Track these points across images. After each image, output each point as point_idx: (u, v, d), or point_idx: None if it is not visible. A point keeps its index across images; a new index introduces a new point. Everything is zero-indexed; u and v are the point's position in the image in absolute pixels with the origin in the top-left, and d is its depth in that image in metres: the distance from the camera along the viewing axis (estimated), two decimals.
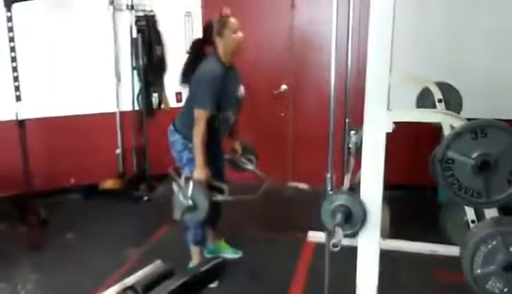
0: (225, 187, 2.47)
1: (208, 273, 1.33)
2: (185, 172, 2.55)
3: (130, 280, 1.33)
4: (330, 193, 1.58)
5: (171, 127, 2.64)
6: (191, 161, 2.51)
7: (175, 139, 2.59)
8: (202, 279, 1.32)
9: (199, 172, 2.39)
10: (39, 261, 2.93)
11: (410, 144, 3.57)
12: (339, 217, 1.48)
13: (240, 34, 2.47)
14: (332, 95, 1.63)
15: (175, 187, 2.37)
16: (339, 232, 1.40)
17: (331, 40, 1.80)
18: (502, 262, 1.41)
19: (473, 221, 2.15)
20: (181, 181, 2.38)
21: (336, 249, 1.33)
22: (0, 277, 2.72)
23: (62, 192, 4.02)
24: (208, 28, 2.49)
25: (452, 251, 2.25)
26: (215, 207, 2.71)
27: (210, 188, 2.42)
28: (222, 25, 2.43)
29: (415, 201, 3.61)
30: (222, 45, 2.46)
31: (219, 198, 2.44)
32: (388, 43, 1.42)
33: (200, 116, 2.38)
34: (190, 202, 2.29)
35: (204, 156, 2.40)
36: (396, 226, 3.22)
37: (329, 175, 1.64)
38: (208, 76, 2.40)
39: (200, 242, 2.70)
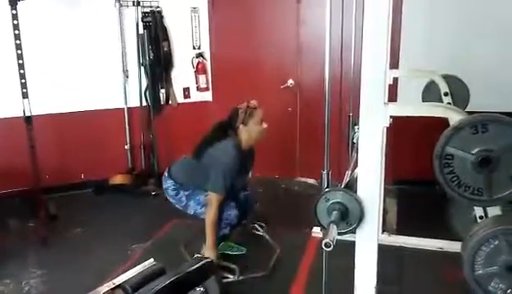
0: (235, 267, 2.58)
1: (197, 273, 1.31)
2: (190, 208, 2.66)
3: (120, 279, 1.32)
4: (326, 190, 1.54)
5: (165, 174, 2.76)
6: (191, 196, 2.65)
7: (167, 185, 2.72)
8: (191, 279, 1.31)
9: (209, 253, 2.48)
10: (46, 257, 2.97)
11: (420, 138, 3.50)
12: (334, 215, 1.43)
13: (264, 125, 2.60)
14: (327, 90, 1.58)
15: None
16: (333, 230, 1.36)
17: (331, 33, 1.75)
18: (505, 262, 1.35)
19: (481, 217, 2.07)
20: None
21: (329, 249, 1.29)
22: (6, 272, 2.76)
23: (72, 187, 4.07)
24: (233, 115, 2.59)
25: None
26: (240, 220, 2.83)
27: (221, 268, 2.53)
28: (249, 116, 2.55)
29: (424, 196, 3.52)
30: (244, 132, 2.57)
31: (230, 278, 2.53)
32: (383, 33, 1.36)
33: (214, 200, 2.49)
34: (202, 288, 2.33)
35: (215, 237, 2.51)
36: (404, 222, 3.18)
37: (325, 172, 1.59)
38: (226, 163, 2.49)
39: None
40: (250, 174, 2.82)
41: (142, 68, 4.14)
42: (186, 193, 2.66)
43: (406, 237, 2.96)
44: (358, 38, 2.48)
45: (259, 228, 3.02)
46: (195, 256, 2.50)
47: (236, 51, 4.20)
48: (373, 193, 1.48)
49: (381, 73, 1.39)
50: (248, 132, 2.58)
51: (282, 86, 4.09)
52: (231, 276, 2.54)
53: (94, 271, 2.65)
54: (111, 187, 4.12)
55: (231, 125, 2.60)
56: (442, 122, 1.90)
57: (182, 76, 4.30)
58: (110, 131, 4.19)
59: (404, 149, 3.56)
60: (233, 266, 2.58)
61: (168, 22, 4.10)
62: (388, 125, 1.43)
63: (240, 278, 2.55)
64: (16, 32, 3.01)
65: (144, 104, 4.22)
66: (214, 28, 4.26)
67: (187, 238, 2.97)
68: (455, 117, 1.42)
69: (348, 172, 1.96)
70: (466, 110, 2.35)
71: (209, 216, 2.49)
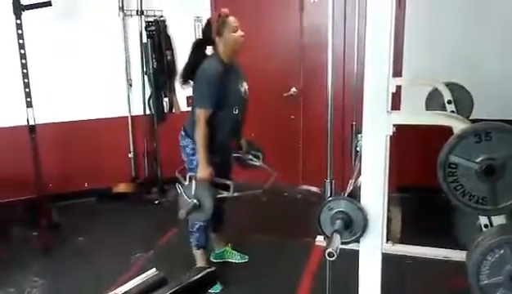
0: (230, 183, 2.43)
1: (198, 283, 1.30)
2: (193, 174, 2.51)
3: (120, 289, 1.31)
4: (330, 198, 1.53)
5: (182, 132, 2.63)
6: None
7: (186, 143, 2.58)
8: (192, 289, 1.29)
9: (202, 171, 2.37)
10: (49, 265, 2.97)
11: (424, 146, 3.49)
12: (337, 224, 1.43)
13: (239, 32, 2.46)
14: (330, 98, 1.57)
15: (179, 188, 2.37)
16: (337, 240, 1.35)
17: (333, 42, 1.75)
18: (511, 272, 1.34)
19: (486, 226, 2.06)
20: (186, 181, 2.39)
21: (332, 259, 1.28)
22: (9, 281, 2.76)
23: (76, 196, 4.06)
24: (207, 29, 2.49)
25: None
26: (218, 213, 2.70)
27: (215, 185, 2.41)
28: (221, 25, 2.42)
29: (428, 204, 3.50)
30: (221, 44, 2.44)
31: (224, 194, 2.42)
32: (386, 42, 1.36)
33: (200, 115, 2.37)
34: (195, 201, 2.28)
35: (207, 154, 2.39)
36: (408, 230, 3.16)
37: (328, 181, 1.58)
38: (206, 75, 2.38)
39: (203, 247, 2.68)
40: (246, 87, 2.60)
41: (146, 76, 4.15)
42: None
43: (411, 246, 2.94)
44: (361, 46, 2.50)
45: (254, 158, 2.84)
46: (188, 175, 2.44)
47: (239, 59, 4.20)
48: (377, 202, 1.47)
49: (384, 82, 1.39)
50: (224, 42, 2.44)
51: (285, 94, 4.10)
52: (225, 192, 2.43)
53: (97, 280, 2.65)
54: (114, 195, 4.13)
55: (207, 40, 2.49)
56: (446, 130, 1.91)
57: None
58: (113, 139, 4.19)
59: (408, 157, 3.54)
60: (228, 182, 2.46)
61: (172, 31, 4.12)
62: (391, 133, 1.43)
63: (235, 194, 2.43)
64: (21, 41, 3.04)
65: (147, 112, 4.23)
66: None
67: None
68: (458, 125, 1.42)
69: (352, 181, 1.95)
70: (470, 118, 2.34)
71: (199, 132, 2.38)
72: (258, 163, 2.82)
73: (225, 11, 2.44)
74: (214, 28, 2.42)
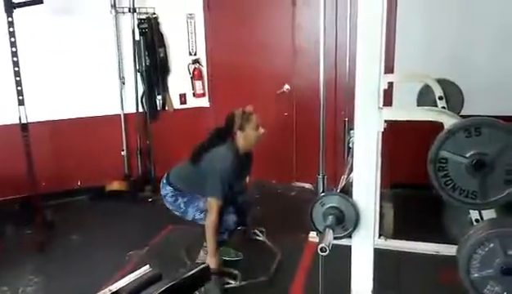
0: (237, 273, 2.57)
1: (193, 280, 1.31)
2: (189, 215, 2.65)
3: (116, 285, 1.31)
4: (322, 194, 1.54)
5: (163, 181, 2.74)
6: (189, 202, 2.63)
7: (165, 192, 2.71)
8: (187, 285, 1.30)
9: (211, 260, 2.46)
10: (43, 264, 2.95)
11: (416, 142, 3.51)
12: (329, 219, 1.44)
13: (261, 130, 2.59)
14: (322, 95, 1.59)
15: None
16: (329, 235, 1.37)
17: (325, 38, 1.77)
18: (500, 266, 1.36)
19: (477, 220, 2.08)
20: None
21: (324, 254, 1.29)
22: (3, 280, 2.75)
23: (69, 194, 4.06)
24: (230, 121, 2.59)
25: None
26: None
27: (222, 273, 2.52)
28: (245, 120, 2.55)
29: (420, 200, 3.53)
30: (242, 138, 2.57)
31: (232, 283, 2.53)
32: (377, 39, 1.37)
33: (213, 204, 2.47)
34: None
35: (216, 244, 2.49)
36: (401, 226, 3.18)
37: (320, 177, 1.60)
38: (225, 168, 2.48)
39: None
40: (248, 178, 2.81)
41: (139, 74, 4.14)
42: (185, 199, 2.65)
43: (403, 241, 2.96)
44: (353, 43, 2.51)
45: (259, 233, 3.02)
46: (196, 262, 2.52)
47: (232, 56, 4.22)
48: (368, 198, 1.48)
49: (375, 78, 1.40)
50: (245, 137, 2.57)
51: (278, 92, 4.11)
52: (232, 281, 2.54)
53: (91, 278, 2.63)
54: (108, 193, 4.12)
55: (228, 130, 2.59)
56: (438, 127, 1.93)
57: (179, 82, 4.31)
58: (106, 137, 4.18)
59: (400, 153, 3.57)
60: (235, 272, 2.58)
61: (165, 28, 4.12)
62: (382, 129, 1.44)
63: (242, 283, 2.55)
64: (12, 39, 3.02)
65: (140, 110, 4.22)
66: (210, 34, 4.27)
67: (188, 243, 2.97)
68: (448, 121, 1.43)
69: (344, 177, 1.97)
70: (461, 114, 2.37)
71: (209, 221, 2.48)
72: (262, 238, 3.02)
73: (250, 108, 2.58)
74: (237, 122, 2.54)
